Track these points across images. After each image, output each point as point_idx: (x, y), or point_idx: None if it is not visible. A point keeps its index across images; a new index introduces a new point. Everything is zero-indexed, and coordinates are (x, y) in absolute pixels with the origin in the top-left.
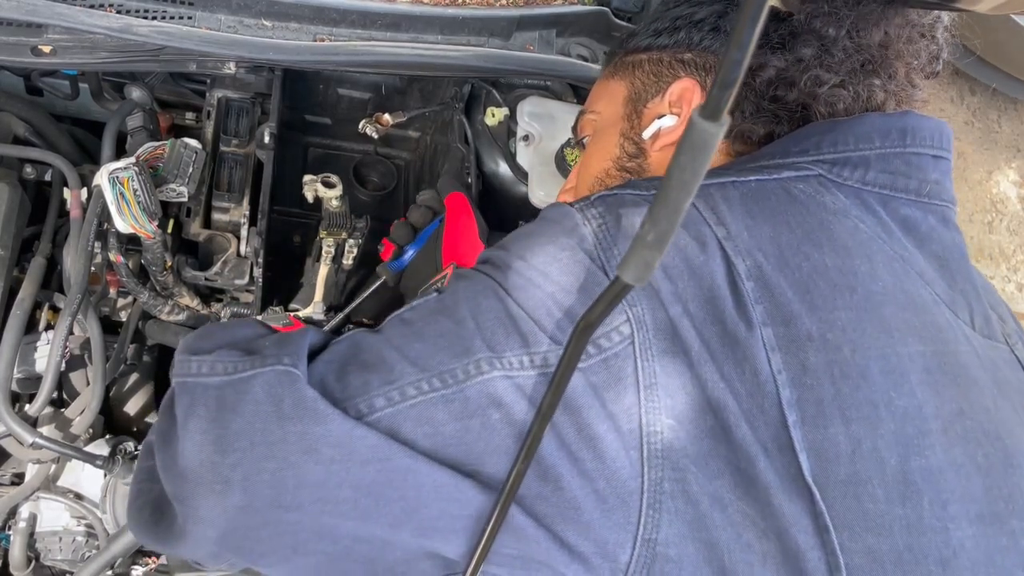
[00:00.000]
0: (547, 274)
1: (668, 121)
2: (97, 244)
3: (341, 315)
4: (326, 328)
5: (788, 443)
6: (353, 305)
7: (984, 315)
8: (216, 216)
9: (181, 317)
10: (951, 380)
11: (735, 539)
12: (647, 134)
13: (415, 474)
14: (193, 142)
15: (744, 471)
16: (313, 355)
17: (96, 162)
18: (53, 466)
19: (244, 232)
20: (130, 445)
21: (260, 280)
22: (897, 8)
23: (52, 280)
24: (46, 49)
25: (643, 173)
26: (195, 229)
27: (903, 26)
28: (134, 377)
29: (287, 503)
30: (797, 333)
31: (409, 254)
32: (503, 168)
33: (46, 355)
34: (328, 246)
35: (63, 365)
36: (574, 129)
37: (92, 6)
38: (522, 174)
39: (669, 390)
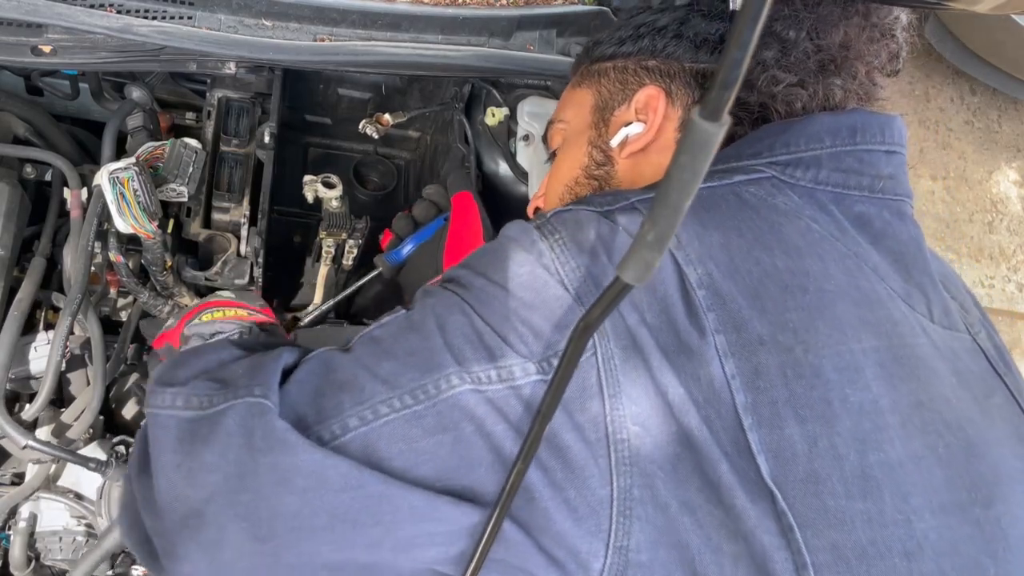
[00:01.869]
0: (508, 289)
1: (635, 128)
2: (97, 244)
3: (334, 301)
4: (318, 312)
5: (746, 446)
6: (348, 292)
7: (943, 306)
8: (216, 216)
9: None
10: (908, 373)
11: (705, 542)
12: (614, 142)
13: (390, 499)
14: (193, 142)
15: (708, 476)
16: (287, 374)
17: (96, 162)
18: (53, 466)
19: (244, 232)
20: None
21: (260, 280)
22: (856, 7)
23: (52, 280)
24: (46, 49)
25: (611, 180)
26: (195, 229)
27: (863, 26)
28: (134, 377)
29: (263, 535)
30: (748, 338)
31: (408, 248)
32: (503, 168)
33: (46, 355)
34: (328, 246)
35: (63, 365)
36: (544, 140)
37: (92, 6)
38: (522, 174)
39: (633, 397)
